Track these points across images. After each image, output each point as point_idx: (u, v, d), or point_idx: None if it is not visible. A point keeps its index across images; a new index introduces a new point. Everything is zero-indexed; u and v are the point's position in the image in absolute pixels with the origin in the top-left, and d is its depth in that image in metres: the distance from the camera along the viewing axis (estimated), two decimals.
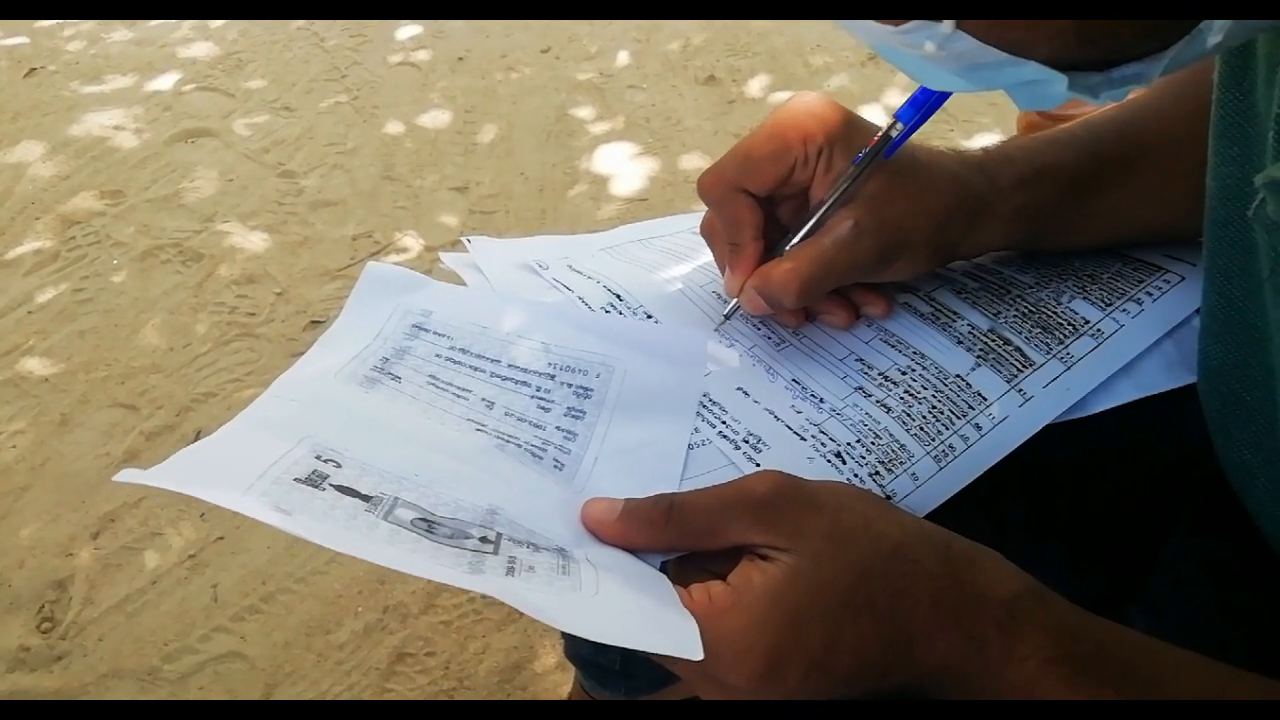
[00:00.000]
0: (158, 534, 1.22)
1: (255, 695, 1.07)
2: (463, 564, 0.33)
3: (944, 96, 0.45)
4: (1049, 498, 0.52)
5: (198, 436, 1.34)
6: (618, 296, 0.51)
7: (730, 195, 0.46)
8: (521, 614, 1.18)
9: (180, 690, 1.08)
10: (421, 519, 0.35)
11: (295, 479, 0.34)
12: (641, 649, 0.31)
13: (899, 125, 0.45)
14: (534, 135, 1.85)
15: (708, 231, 0.50)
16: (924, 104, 0.45)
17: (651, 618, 0.33)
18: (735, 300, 0.48)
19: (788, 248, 0.47)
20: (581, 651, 0.84)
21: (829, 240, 0.45)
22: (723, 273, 0.50)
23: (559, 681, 1.07)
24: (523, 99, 1.94)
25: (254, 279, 1.58)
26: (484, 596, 1.15)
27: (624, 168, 1.77)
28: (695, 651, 0.32)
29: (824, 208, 0.46)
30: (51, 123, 1.91)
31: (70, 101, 1.97)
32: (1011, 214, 0.47)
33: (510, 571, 0.34)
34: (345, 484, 0.35)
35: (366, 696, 1.07)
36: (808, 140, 0.45)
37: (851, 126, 0.46)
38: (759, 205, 0.47)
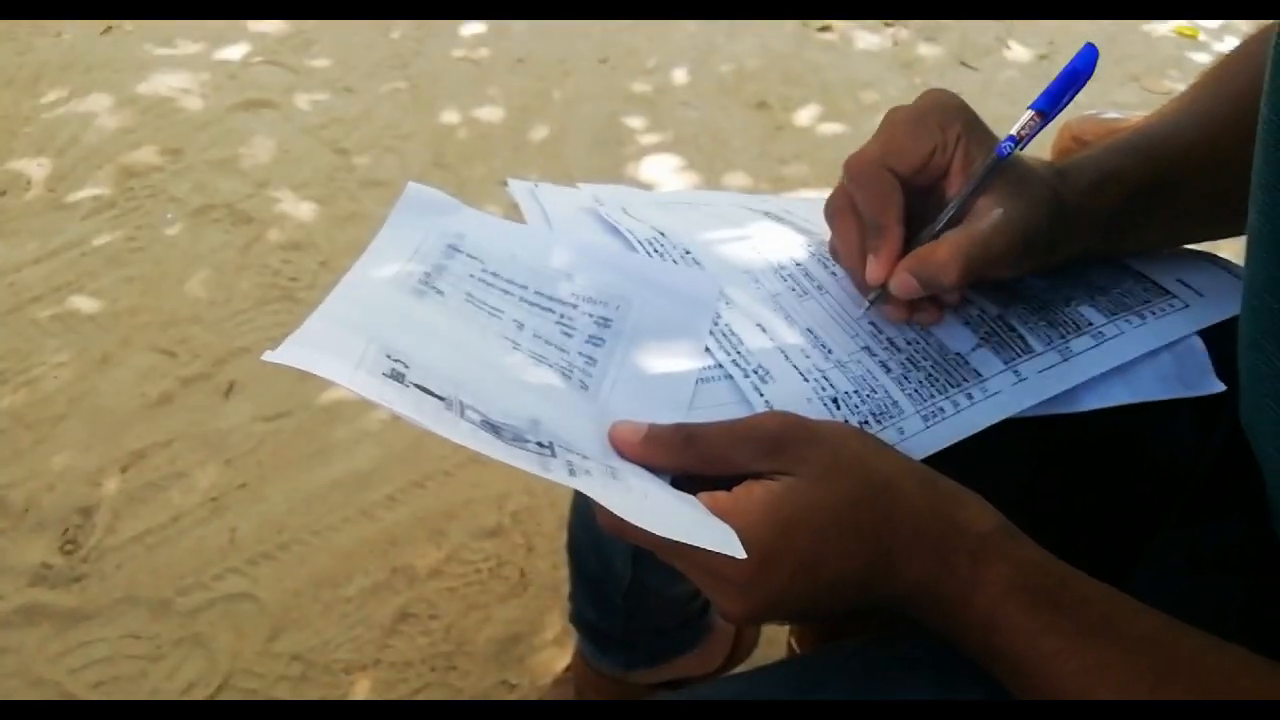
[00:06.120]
0: (183, 475, 1.26)
1: (261, 637, 1.10)
2: (533, 463, 0.36)
3: (1079, 86, 0.47)
4: (1035, 492, 0.54)
5: (231, 388, 1.38)
6: (661, 234, 0.55)
7: (877, 173, 0.47)
8: (527, 588, 1.19)
9: (190, 623, 1.11)
10: (485, 422, 0.38)
11: (383, 373, 0.37)
12: (695, 544, 0.35)
13: (1037, 117, 0.47)
14: (584, 139, 1.90)
15: (836, 211, 0.50)
16: (1060, 95, 0.47)
17: (696, 520, 0.37)
18: (880, 287, 0.48)
19: (935, 233, 0.48)
20: (587, 617, 0.87)
21: (985, 224, 0.46)
22: (847, 256, 0.51)
23: (555, 656, 1.10)
24: (576, 104, 1.99)
25: (299, 246, 1.62)
26: (496, 563, 1.18)
27: (669, 179, 1.81)
28: (738, 550, 0.35)
29: (966, 195, 0.47)
30: (121, 79, 1.98)
31: (141, 61, 2.04)
32: (1091, 220, 0.49)
33: (572, 472, 0.37)
34: (420, 383, 0.37)
35: (368, 651, 1.10)
36: (946, 126, 0.47)
37: (979, 121, 0.49)
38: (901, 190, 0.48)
